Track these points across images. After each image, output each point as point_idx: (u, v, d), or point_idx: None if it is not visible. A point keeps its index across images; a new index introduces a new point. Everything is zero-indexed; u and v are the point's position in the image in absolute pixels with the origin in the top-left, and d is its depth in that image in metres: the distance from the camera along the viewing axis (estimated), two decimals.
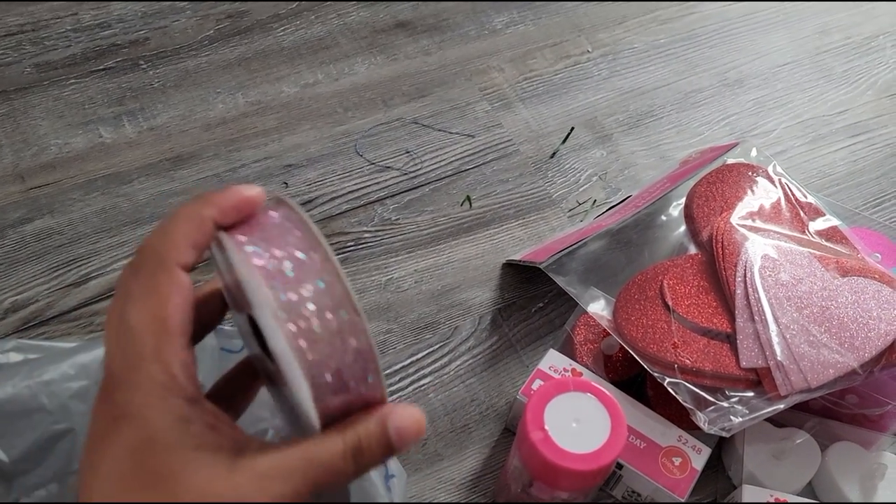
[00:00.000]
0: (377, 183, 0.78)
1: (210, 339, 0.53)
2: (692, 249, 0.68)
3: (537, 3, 0.94)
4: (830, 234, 0.68)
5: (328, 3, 0.91)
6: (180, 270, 0.36)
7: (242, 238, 0.36)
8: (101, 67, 0.83)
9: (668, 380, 0.60)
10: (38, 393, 0.47)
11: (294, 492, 0.35)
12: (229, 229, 0.37)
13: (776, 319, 0.60)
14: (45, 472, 0.46)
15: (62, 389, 0.47)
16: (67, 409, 0.48)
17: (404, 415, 0.38)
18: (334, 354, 0.35)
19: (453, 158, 0.81)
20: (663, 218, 0.72)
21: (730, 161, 0.73)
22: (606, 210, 0.76)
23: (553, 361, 0.63)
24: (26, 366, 0.48)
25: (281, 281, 0.34)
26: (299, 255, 0.35)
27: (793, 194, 0.70)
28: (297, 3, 0.90)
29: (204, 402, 0.37)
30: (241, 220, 0.38)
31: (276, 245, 0.36)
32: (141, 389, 0.35)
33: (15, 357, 0.51)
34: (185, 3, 0.89)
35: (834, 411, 0.65)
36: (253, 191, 0.38)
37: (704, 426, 0.57)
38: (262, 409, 0.52)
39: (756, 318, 0.60)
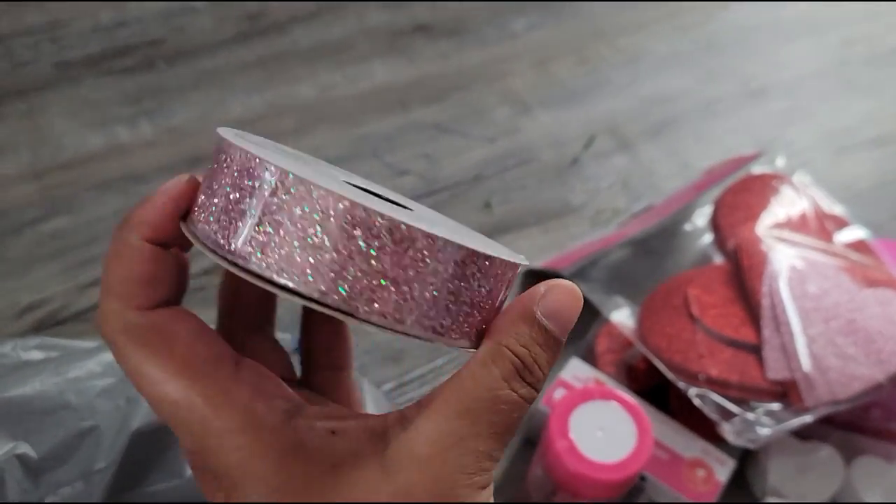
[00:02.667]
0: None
1: None
2: (718, 259, 0.67)
3: (558, 8, 0.93)
4: (856, 246, 0.68)
5: (347, 5, 0.90)
6: (141, 322, 0.29)
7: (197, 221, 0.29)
8: (118, 67, 0.82)
9: (692, 390, 0.59)
10: (64, 390, 0.47)
11: (474, 461, 0.28)
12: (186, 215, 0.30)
13: (803, 331, 0.59)
14: (71, 470, 0.46)
15: (88, 387, 0.47)
16: (94, 407, 0.47)
17: (552, 293, 0.30)
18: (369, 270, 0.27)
19: (472, 163, 0.80)
20: (688, 227, 0.71)
21: (755, 171, 0.72)
22: (629, 218, 0.76)
23: (576, 370, 0.62)
24: (53, 363, 0.48)
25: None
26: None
27: (819, 205, 0.70)
28: (315, 5, 0.90)
29: (304, 408, 0.30)
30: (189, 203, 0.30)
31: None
32: (223, 449, 0.28)
33: (37, 355, 0.51)
34: (204, 4, 0.88)
35: (858, 425, 0.64)
36: (174, 185, 0.30)
37: (731, 438, 0.57)
38: None
39: (783, 329, 0.60)
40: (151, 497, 0.49)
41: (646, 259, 0.69)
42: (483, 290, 0.29)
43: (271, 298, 0.36)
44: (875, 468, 0.62)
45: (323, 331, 0.36)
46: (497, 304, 0.30)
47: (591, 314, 0.69)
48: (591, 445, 0.52)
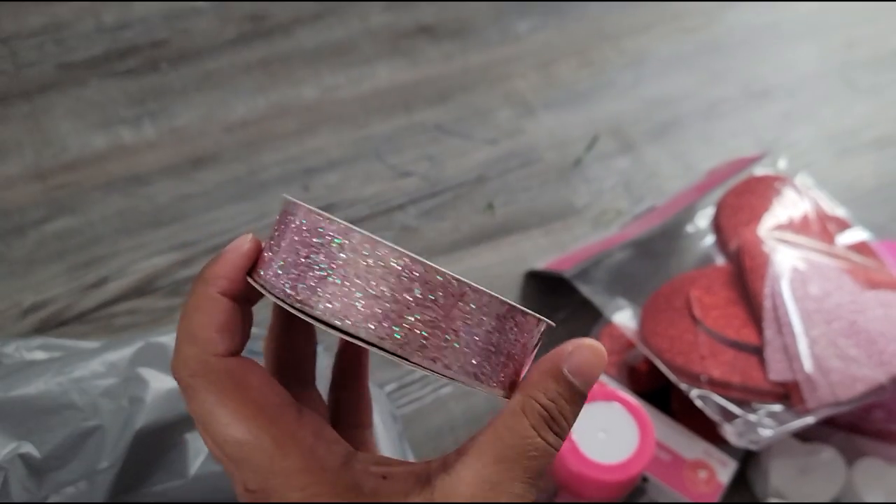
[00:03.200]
0: (398, 188, 0.78)
1: None
2: (720, 260, 0.67)
3: (561, 10, 0.93)
4: (858, 248, 0.68)
5: (350, 7, 0.90)
6: (223, 368, 0.32)
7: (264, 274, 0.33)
8: (122, 69, 0.82)
9: (694, 392, 0.59)
10: (68, 390, 0.47)
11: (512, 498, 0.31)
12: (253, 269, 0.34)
13: (805, 332, 0.59)
14: (75, 469, 0.46)
15: (92, 387, 0.47)
16: (97, 407, 0.47)
17: (578, 352, 0.32)
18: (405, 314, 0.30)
19: (475, 165, 0.80)
20: (690, 229, 0.71)
21: (758, 172, 0.72)
22: (631, 219, 0.76)
23: None
24: (56, 362, 0.48)
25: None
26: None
27: (820, 207, 0.70)
28: (318, 6, 0.90)
29: (357, 454, 0.33)
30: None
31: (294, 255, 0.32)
32: (288, 488, 0.31)
33: (41, 355, 0.51)
34: (207, 5, 0.88)
35: (860, 427, 0.64)
36: (242, 243, 0.34)
37: (733, 439, 0.57)
38: None
39: (784, 330, 0.60)
40: (154, 497, 0.49)
41: (648, 260, 0.69)
42: (519, 342, 0.32)
43: (313, 356, 0.39)
44: (877, 470, 0.62)
45: (349, 391, 0.39)
46: (528, 357, 0.34)
47: (593, 315, 0.69)
48: (593, 446, 0.52)
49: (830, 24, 0.96)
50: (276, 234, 0.33)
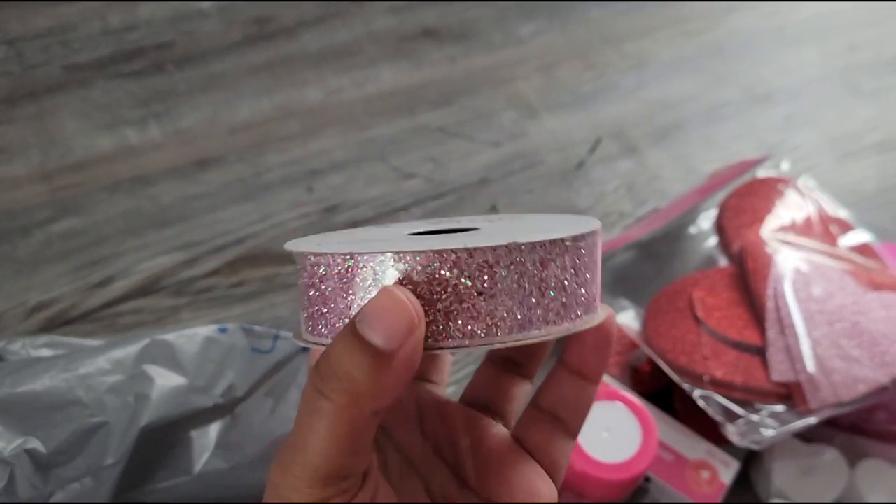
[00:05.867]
0: (402, 190, 0.78)
1: (240, 340, 0.52)
2: (722, 262, 0.67)
3: (564, 13, 0.94)
4: (861, 249, 0.68)
5: (354, 9, 0.91)
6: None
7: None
8: (128, 70, 0.83)
9: (697, 392, 0.59)
10: (74, 386, 0.47)
11: (289, 475, 0.29)
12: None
13: (807, 333, 0.59)
14: (80, 465, 0.46)
15: (98, 383, 0.47)
16: (103, 403, 0.48)
17: (374, 298, 0.28)
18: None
19: (479, 167, 0.80)
20: (693, 230, 0.72)
21: (760, 174, 0.72)
22: (634, 222, 0.76)
23: None
24: (63, 359, 0.48)
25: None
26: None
27: (823, 209, 0.70)
28: (323, 9, 0.90)
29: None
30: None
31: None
32: None
33: (46, 353, 0.51)
34: (213, 8, 0.89)
35: (863, 428, 0.64)
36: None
37: (735, 439, 0.57)
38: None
39: (787, 331, 0.60)
40: (159, 493, 0.49)
41: (651, 262, 0.70)
42: (567, 271, 0.30)
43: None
44: (879, 471, 0.62)
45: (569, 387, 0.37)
46: (594, 275, 0.32)
47: None
48: (596, 445, 0.52)
49: (833, 27, 0.97)
50: (299, 291, 0.33)
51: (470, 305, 0.29)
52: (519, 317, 0.30)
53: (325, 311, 0.31)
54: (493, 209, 0.77)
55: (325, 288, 0.31)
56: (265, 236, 0.73)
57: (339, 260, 0.30)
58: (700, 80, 0.90)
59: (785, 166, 0.76)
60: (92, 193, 0.74)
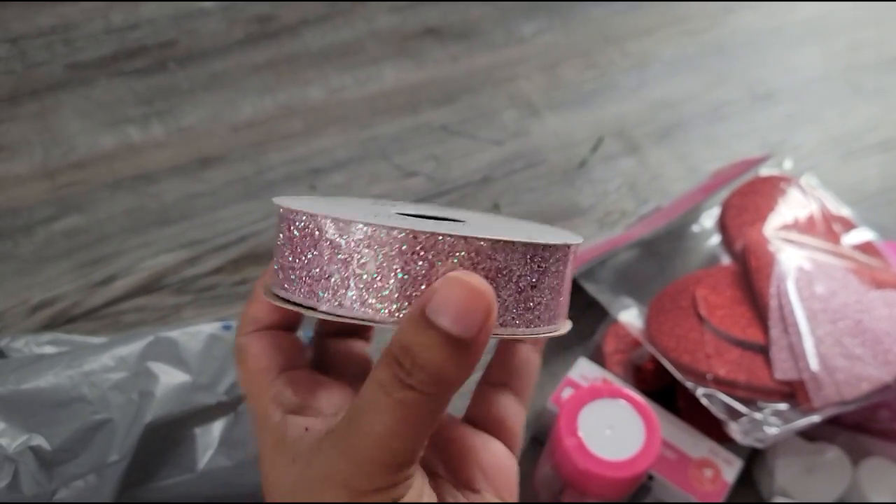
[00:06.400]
0: (404, 188, 0.78)
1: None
2: (725, 260, 0.67)
3: (566, 12, 0.94)
4: (864, 248, 0.68)
5: (356, 8, 0.91)
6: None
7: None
8: (130, 69, 0.83)
9: (700, 390, 0.59)
10: (78, 383, 0.47)
11: (351, 466, 0.29)
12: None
13: (811, 332, 0.59)
14: (84, 462, 0.46)
15: (102, 380, 0.47)
16: (107, 400, 0.48)
17: (443, 287, 0.28)
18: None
19: (481, 166, 0.80)
20: (696, 228, 0.72)
21: (763, 173, 0.72)
22: (636, 220, 0.76)
23: (584, 370, 0.62)
24: (67, 356, 0.48)
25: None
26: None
27: (826, 207, 0.70)
28: (325, 7, 0.90)
29: (310, 407, 0.34)
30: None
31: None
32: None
33: (50, 350, 0.51)
34: (215, 6, 0.89)
35: (866, 426, 0.64)
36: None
37: (739, 437, 0.57)
38: None
39: (790, 330, 0.60)
40: (163, 491, 0.49)
41: (654, 260, 0.70)
42: (550, 271, 0.31)
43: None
44: (882, 469, 0.62)
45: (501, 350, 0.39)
46: (567, 284, 0.33)
47: (598, 314, 0.69)
48: (599, 443, 0.52)
49: (834, 27, 0.97)
50: (276, 244, 0.33)
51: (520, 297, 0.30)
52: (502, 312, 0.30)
53: (326, 275, 0.31)
54: (496, 208, 0.77)
55: (324, 247, 0.31)
56: (268, 234, 0.73)
57: (361, 227, 0.30)
58: (702, 80, 0.90)
59: (787, 165, 0.76)
60: (94, 191, 0.74)
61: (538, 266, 0.30)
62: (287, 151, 0.79)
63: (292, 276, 0.31)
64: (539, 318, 0.31)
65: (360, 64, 0.86)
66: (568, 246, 0.32)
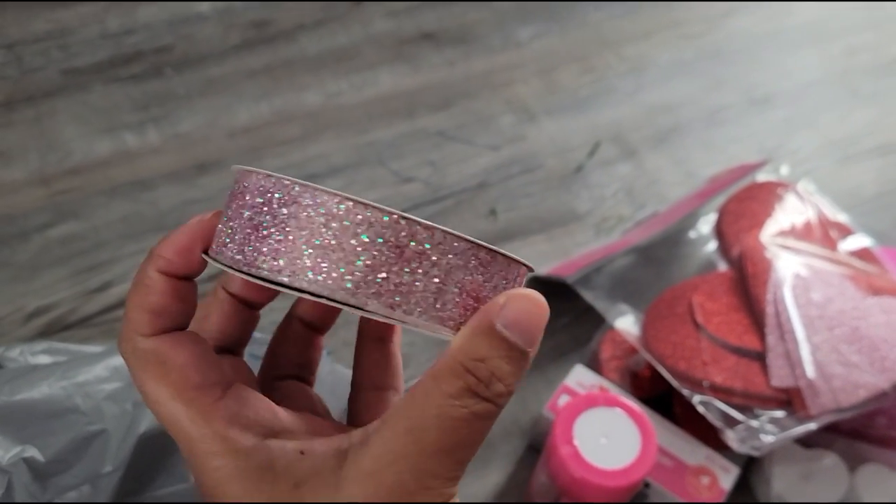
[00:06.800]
0: (401, 194, 0.78)
1: None
2: (722, 266, 0.67)
3: (563, 17, 0.94)
4: (861, 254, 0.68)
5: (353, 13, 0.91)
6: (146, 345, 0.31)
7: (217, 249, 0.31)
8: (126, 74, 0.83)
9: (696, 397, 0.59)
10: (72, 394, 0.47)
11: (414, 479, 0.29)
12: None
13: (807, 339, 0.59)
14: (78, 473, 0.46)
15: (96, 391, 0.47)
16: (101, 411, 0.47)
17: (512, 303, 0.29)
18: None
19: (478, 171, 0.80)
20: (692, 235, 0.72)
21: (760, 179, 0.72)
22: (633, 226, 0.76)
23: (580, 377, 0.62)
24: (61, 367, 0.48)
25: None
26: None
27: (823, 213, 0.70)
28: (321, 13, 0.90)
29: (286, 431, 0.32)
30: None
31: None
32: (205, 468, 0.30)
33: (45, 359, 0.51)
34: (211, 11, 0.89)
35: (863, 433, 0.64)
36: (196, 220, 0.32)
37: (735, 445, 0.57)
38: None
39: (787, 336, 0.60)
40: (158, 501, 0.49)
41: (650, 266, 0.70)
42: (488, 284, 0.30)
43: (312, 351, 0.38)
44: (879, 476, 0.62)
45: (371, 352, 0.38)
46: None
47: (595, 321, 0.69)
48: (595, 452, 0.52)
49: (831, 31, 0.97)
50: (226, 204, 0.32)
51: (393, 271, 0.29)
52: (437, 307, 0.29)
53: (268, 236, 0.30)
54: (493, 213, 0.77)
55: (276, 211, 0.29)
56: None
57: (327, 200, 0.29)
58: (699, 84, 0.90)
59: (784, 170, 0.76)
60: (90, 198, 0.74)
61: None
62: (283, 157, 0.79)
63: (236, 237, 0.30)
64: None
65: (356, 69, 0.86)
66: (514, 261, 0.31)
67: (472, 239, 0.29)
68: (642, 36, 0.94)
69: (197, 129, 0.80)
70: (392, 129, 0.82)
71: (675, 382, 0.60)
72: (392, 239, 0.28)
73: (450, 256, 0.29)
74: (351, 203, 0.28)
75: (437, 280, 0.29)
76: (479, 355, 0.29)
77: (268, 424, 0.31)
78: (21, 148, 0.76)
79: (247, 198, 0.30)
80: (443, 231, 0.29)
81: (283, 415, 0.32)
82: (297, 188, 0.29)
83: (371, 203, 0.28)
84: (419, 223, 0.28)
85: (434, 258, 0.29)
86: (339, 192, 0.28)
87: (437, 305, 0.29)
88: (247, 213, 0.30)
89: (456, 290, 0.29)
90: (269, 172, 0.29)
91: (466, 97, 0.86)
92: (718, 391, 0.59)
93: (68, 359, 0.51)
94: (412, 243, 0.28)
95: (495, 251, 0.30)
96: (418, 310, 0.29)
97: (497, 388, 0.29)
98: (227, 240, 0.30)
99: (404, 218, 0.28)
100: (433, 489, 0.29)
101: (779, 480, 0.61)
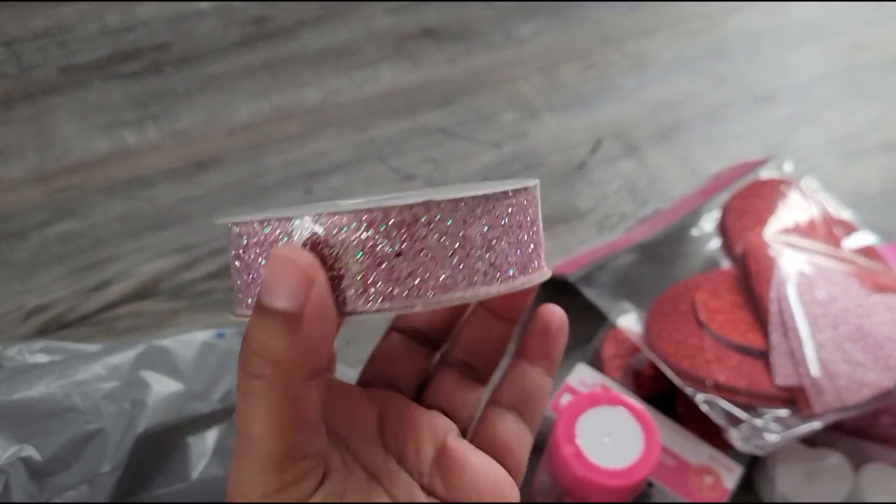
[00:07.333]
0: (402, 191, 0.77)
1: (238, 345, 0.52)
2: (725, 264, 0.67)
3: (565, 13, 0.93)
4: (865, 251, 0.67)
5: (353, 9, 0.90)
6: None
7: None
8: (125, 71, 0.82)
9: (699, 396, 0.59)
10: (70, 393, 0.46)
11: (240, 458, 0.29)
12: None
13: (811, 337, 0.59)
14: (76, 473, 0.46)
15: (94, 390, 0.47)
16: (99, 410, 0.47)
17: (265, 266, 0.28)
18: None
19: (479, 168, 0.80)
20: (695, 232, 0.71)
21: (763, 176, 0.71)
22: (636, 223, 0.75)
23: (583, 376, 0.62)
24: (58, 366, 0.48)
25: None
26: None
27: (827, 210, 0.69)
28: (322, 9, 0.90)
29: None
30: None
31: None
32: None
33: (43, 358, 0.51)
34: (211, 8, 0.88)
35: (867, 432, 0.63)
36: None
37: (739, 444, 0.56)
38: None
39: (791, 335, 0.59)
40: (156, 500, 0.49)
41: (653, 264, 0.69)
42: (496, 229, 0.29)
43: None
44: (884, 475, 0.62)
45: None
46: (530, 234, 0.31)
47: (597, 319, 0.68)
48: (597, 451, 0.52)
49: (835, 27, 0.96)
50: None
51: (389, 267, 0.28)
52: (441, 278, 0.28)
53: (249, 281, 0.30)
54: None
55: (248, 257, 0.30)
56: None
57: (257, 227, 0.29)
58: (701, 81, 0.89)
59: (788, 167, 0.75)
60: (89, 196, 0.74)
61: (462, 222, 0.29)
62: (283, 154, 0.78)
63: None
64: (488, 274, 0.29)
65: (356, 65, 0.86)
66: (487, 197, 0.29)
67: (467, 194, 0.29)
68: (644, 32, 0.93)
69: (196, 127, 0.79)
70: (393, 125, 0.82)
71: (678, 381, 0.59)
72: (405, 232, 0.28)
73: (443, 223, 0.28)
74: (334, 216, 0.28)
75: (447, 248, 0.28)
76: (245, 333, 0.28)
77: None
78: (19, 145, 0.76)
79: (242, 253, 0.30)
80: (417, 202, 0.28)
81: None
82: (274, 221, 0.29)
83: (335, 210, 0.28)
84: (397, 206, 0.28)
85: (422, 233, 0.28)
86: (314, 212, 0.28)
87: (459, 276, 0.29)
88: (244, 268, 0.30)
89: (478, 247, 0.29)
90: (248, 220, 0.30)
91: (468, 94, 0.85)
92: (722, 390, 0.58)
93: (66, 357, 0.51)
94: (398, 230, 0.28)
95: (499, 192, 0.29)
96: (464, 282, 0.29)
97: (255, 361, 0.27)
98: (239, 293, 0.31)
99: (373, 209, 0.28)
100: (279, 491, 0.29)
101: (783, 480, 0.61)
